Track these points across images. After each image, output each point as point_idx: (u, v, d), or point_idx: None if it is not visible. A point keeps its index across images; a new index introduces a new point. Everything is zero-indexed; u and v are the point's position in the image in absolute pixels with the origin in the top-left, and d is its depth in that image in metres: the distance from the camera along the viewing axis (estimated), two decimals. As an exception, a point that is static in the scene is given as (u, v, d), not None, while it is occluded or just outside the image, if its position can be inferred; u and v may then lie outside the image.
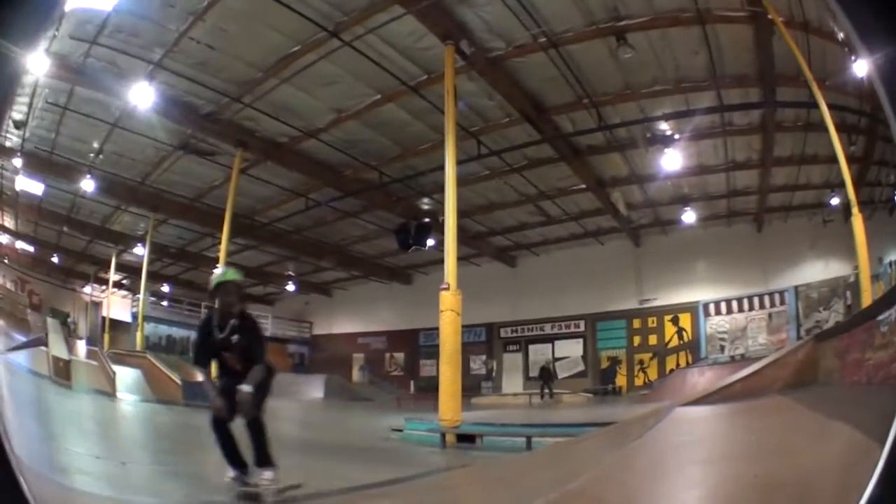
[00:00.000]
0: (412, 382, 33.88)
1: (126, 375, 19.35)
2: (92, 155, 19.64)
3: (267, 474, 5.22)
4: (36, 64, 12.88)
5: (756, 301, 24.73)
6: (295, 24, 13.37)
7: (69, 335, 25.36)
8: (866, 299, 12.47)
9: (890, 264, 18.44)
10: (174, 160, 20.37)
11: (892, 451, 1.17)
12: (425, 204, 22.96)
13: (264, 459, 5.25)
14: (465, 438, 11.19)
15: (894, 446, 1.17)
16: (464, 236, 20.12)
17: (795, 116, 17.27)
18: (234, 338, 5.44)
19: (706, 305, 25.77)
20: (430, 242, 21.34)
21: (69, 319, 30.28)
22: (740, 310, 25.07)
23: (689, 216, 23.40)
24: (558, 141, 18.48)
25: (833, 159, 13.95)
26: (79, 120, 17.59)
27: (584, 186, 21.61)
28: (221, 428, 5.19)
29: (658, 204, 23.66)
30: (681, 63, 15.10)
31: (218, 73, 15.49)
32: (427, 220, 21.81)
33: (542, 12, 13.22)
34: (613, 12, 13.31)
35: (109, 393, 17.35)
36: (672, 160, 18.46)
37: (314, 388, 28.74)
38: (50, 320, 24.88)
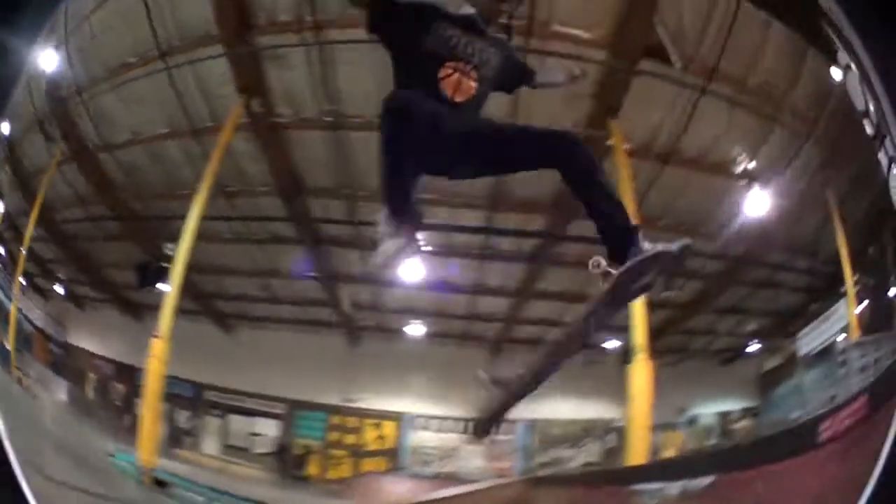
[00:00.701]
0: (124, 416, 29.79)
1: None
2: None
3: None
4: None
5: (472, 426, 24.23)
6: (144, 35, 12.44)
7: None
8: (632, 454, 11.60)
9: (693, 420, 18.91)
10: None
11: (891, 452, 1.09)
12: (169, 249, 20.37)
13: None
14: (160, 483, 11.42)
15: (892, 449, 1.03)
16: (192, 290, 17.88)
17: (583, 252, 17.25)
18: None
19: (414, 418, 24.92)
20: (164, 286, 18.82)
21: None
22: (454, 431, 24.45)
23: (414, 329, 22.51)
24: (305, 223, 17.12)
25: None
26: None
27: (314, 275, 20.18)
28: None
29: (385, 310, 22.67)
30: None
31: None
32: (166, 264, 19.54)
33: (342, 92, 12.18)
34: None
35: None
36: (411, 271, 17.67)
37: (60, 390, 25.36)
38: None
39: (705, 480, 5.52)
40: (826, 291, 23.73)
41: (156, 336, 12.43)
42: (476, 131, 5.74)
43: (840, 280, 18.72)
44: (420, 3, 6.02)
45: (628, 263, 5.35)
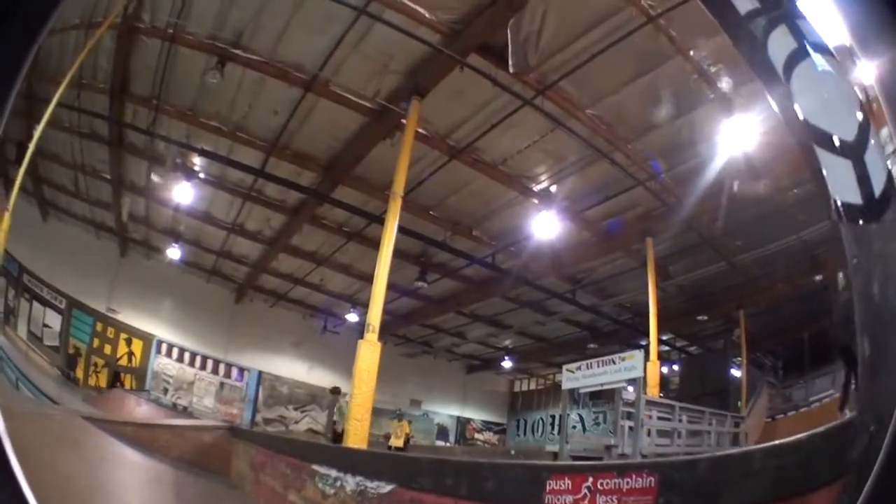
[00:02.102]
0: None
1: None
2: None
3: None
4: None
5: (210, 364, 24.11)
6: None
7: None
8: (351, 434, 10.64)
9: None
10: None
11: (889, 451, 1.17)
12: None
13: None
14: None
15: (891, 448, 1.17)
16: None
17: (347, 219, 17.47)
18: None
19: (161, 343, 24.37)
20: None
21: None
22: (192, 364, 24.09)
23: (174, 252, 22.09)
24: (116, 125, 16.00)
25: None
26: None
27: (108, 177, 19.13)
28: None
29: (154, 228, 21.97)
30: (253, 114, 14.11)
31: None
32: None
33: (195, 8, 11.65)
34: (238, 36, 11.95)
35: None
36: (184, 194, 17.10)
37: None
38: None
39: (385, 487, 5.13)
40: (603, 336, 25.18)
41: (6, 210, 11.93)
42: None
43: (640, 331, 19.91)
44: None
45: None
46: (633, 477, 3.36)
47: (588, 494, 3.60)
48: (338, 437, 17.81)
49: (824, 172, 1.55)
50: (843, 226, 1.58)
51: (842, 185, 1.50)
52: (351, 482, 5.95)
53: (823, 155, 1.54)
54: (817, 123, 1.57)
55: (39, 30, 1.40)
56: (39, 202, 22.28)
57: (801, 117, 1.61)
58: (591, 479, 3.61)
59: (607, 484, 3.52)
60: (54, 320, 26.50)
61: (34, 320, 25.85)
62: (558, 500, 3.72)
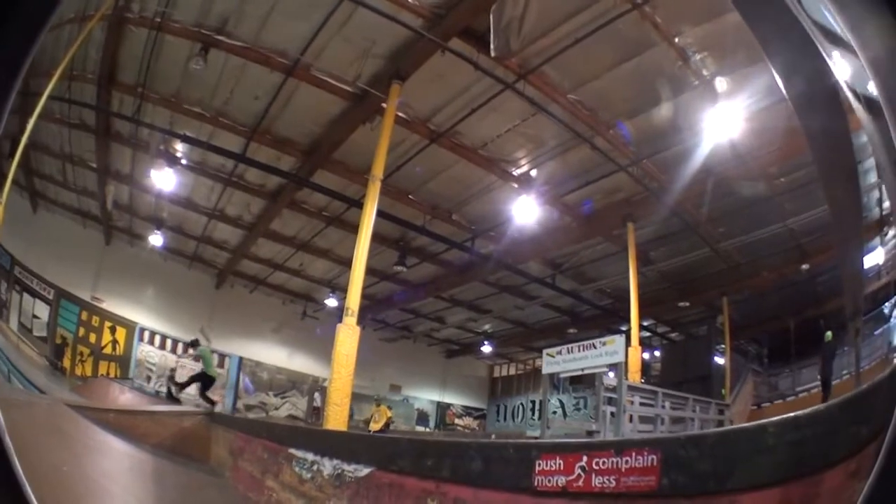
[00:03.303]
0: None
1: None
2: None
3: None
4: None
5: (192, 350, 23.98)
6: None
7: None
8: (330, 417, 10.78)
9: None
10: None
11: (889, 451, 1.16)
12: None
13: None
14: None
15: (891, 447, 1.16)
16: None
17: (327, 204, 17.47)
18: None
19: (143, 330, 24.52)
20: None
21: None
22: (173, 351, 24.21)
23: (156, 239, 22.11)
24: (103, 114, 15.88)
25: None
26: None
27: (94, 166, 19.08)
28: None
29: (137, 215, 21.91)
30: (235, 99, 14.06)
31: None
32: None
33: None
34: (223, 23, 11.92)
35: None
36: (166, 181, 17.10)
37: None
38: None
39: (363, 470, 5.00)
40: (585, 321, 25.16)
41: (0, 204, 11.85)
42: None
43: (621, 316, 19.77)
44: None
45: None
46: (633, 455, 3.13)
47: (582, 475, 3.38)
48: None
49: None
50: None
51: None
52: (328, 466, 5.84)
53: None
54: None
55: (39, 30, 1.40)
56: (30, 194, 22.27)
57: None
58: (585, 459, 3.39)
59: (604, 463, 3.29)
60: (43, 311, 26.54)
61: (24, 312, 25.82)
62: (549, 481, 3.52)
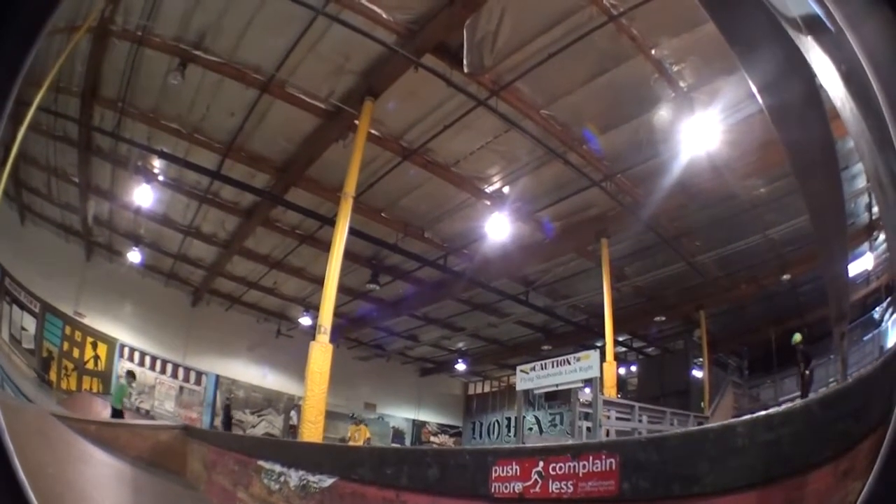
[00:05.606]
0: None
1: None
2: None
3: None
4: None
5: (170, 368, 24.18)
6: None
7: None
8: (304, 431, 10.78)
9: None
10: None
11: (889, 450, 1.15)
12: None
13: None
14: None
15: (891, 446, 1.15)
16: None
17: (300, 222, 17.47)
18: None
19: (123, 347, 24.37)
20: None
21: None
22: (153, 368, 24.09)
23: (134, 256, 22.03)
24: (85, 128, 15.65)
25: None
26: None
27: (76, 181, 18.89)
28: None
29: (116, 231, 21.79)
30: (211, 116, 14.00)
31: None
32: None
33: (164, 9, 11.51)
34: (201, 38, 11.89)
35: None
36: (144, 197, 16.90)
37: None
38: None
39: (327, 480, 4.99)
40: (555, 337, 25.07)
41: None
42: None
43: (595, 332, 19.69)
44: None
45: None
46: (591, 459, 3.05)
47: (539, 480, 3.30)
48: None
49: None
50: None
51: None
52: (294, 477, 5.84)
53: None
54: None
55: (39, 30, 1.41)
56: (19, 206, 22.15)
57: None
58: (541, 464, 3.30)
59: (560, 468, 3.21)
60: (30, 324, 26.39)
61: (14, 324, 25.58)
62: (506, 487, 3.44)
